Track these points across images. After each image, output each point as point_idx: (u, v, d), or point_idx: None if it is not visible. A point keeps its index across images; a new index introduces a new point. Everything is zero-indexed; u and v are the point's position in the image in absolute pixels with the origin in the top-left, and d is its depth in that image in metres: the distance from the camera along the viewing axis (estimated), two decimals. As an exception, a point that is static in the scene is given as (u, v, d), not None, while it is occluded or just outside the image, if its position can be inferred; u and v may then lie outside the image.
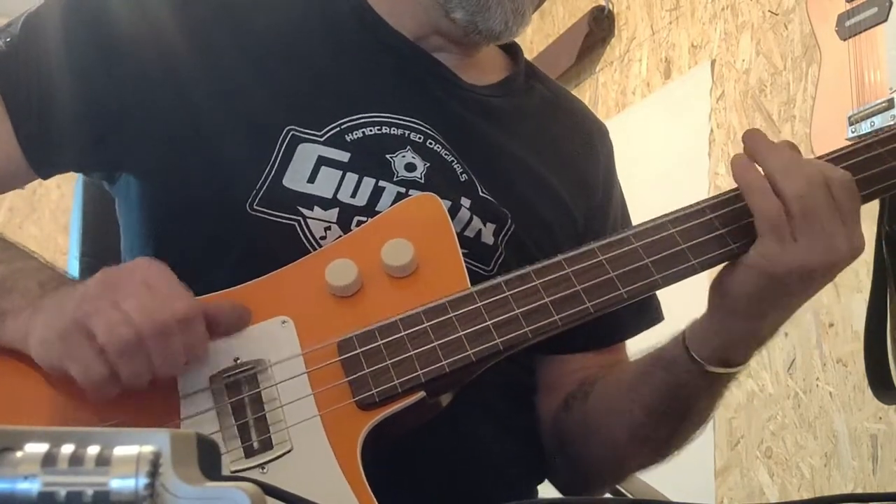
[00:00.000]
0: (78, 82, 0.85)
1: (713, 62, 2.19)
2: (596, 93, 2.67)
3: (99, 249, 1.16)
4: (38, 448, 0.37)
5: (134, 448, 0.36)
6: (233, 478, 0.42)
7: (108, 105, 0.85)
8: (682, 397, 0.83)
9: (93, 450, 0.37)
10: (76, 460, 0.36)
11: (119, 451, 0.36)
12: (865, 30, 1.48)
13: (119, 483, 0.36)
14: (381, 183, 0.85)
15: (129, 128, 0.85)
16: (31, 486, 0.36)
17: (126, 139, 0.86)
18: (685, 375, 0.81)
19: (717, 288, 0.78)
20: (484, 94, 0.96)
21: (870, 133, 1.41)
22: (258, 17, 0.91)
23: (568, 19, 2.81)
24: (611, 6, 2.62)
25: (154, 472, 0.36)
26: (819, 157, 0.80)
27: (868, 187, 0.78)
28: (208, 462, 0.39)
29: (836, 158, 0.79)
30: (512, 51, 1.04)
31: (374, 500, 0.67)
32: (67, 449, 0.37)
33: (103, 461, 0.36)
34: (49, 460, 0.36)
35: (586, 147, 1.04)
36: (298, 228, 0.83)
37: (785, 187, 0.72)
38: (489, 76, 0.99)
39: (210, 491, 0.36)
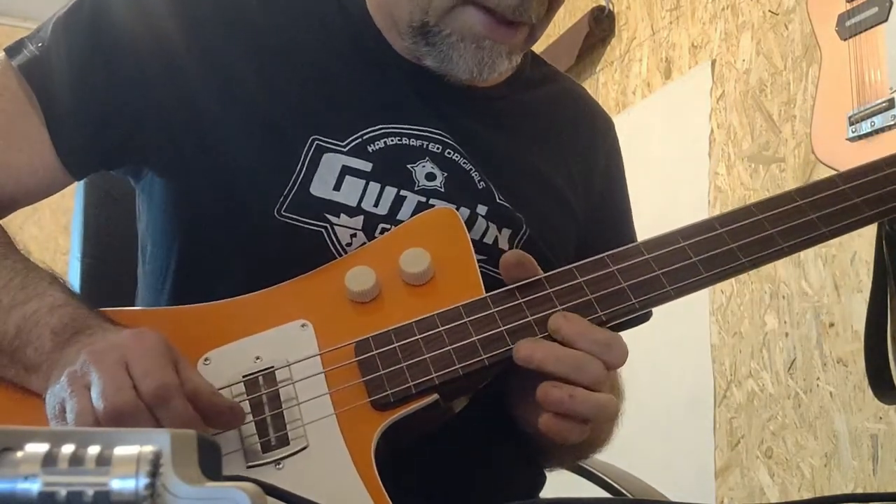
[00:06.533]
0: (85, 88, 0.86)
1: (713, 62, 2.19)
2: (596, 93, 2.67)
3: (100, 250, 1.17)
4: (38, 448, 0.37)
5: (134, 448, 0.36)
6: (233, 478, 0.42)
7: (119, 109, 0.86)
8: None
9: (93, 450, 0.37)
10: (76, 460, 0.36)
11: (119, 450, 0.36)
12: (866, 30, 1.48)
13: (119, 483, 0.36)
14: (403, 192, 0.86)
15: (142, 132, 0.86)
16: (32, 486, 0.36)
17: (142, 143, 0.86)
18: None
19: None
20: (492, 97, 0.97)
21: (870, 133, 1.41)
22: (262, 20, 0.91)
23: (568, 19, 2.81)
24: (611, 6, 2.62)
25: (154, 472, 0.36)
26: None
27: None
28: (209, 462, 0.39)
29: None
30: None
31: (387, 497, 0.68)
32: (68, 449, 0.37)
33: (104, 461, 0.36)
34: (49, 460, 0.36)
35: (589, 137, 1.05)
36: (326, 235, 0.84)
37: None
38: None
39: (210, 491, 0.36)
